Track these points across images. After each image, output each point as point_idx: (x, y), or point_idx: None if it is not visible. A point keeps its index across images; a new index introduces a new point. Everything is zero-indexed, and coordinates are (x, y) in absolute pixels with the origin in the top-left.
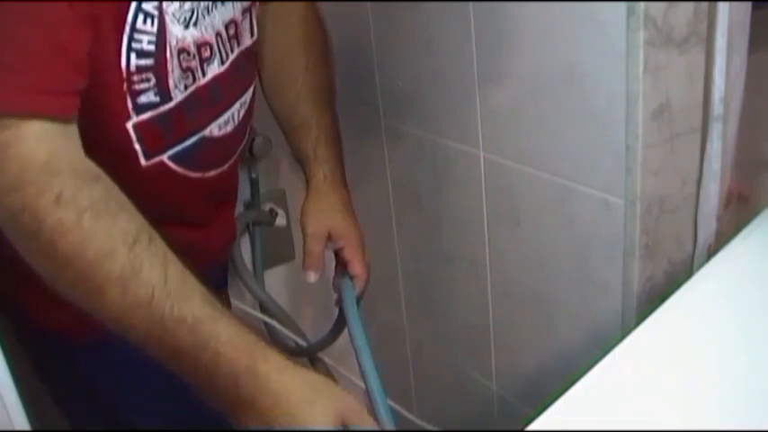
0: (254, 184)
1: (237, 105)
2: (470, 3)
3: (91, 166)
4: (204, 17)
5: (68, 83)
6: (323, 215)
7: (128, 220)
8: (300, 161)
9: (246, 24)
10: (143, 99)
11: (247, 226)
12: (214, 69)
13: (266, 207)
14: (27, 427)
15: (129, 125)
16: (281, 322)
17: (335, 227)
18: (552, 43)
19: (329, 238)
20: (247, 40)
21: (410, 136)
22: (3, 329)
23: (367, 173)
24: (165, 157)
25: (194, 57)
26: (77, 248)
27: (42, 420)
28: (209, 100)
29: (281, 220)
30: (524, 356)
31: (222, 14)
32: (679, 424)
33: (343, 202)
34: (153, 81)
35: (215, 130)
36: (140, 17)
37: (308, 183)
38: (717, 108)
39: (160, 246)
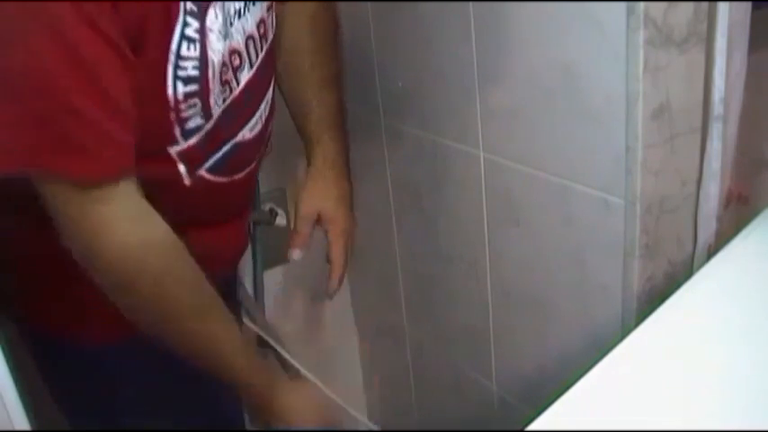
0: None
1: (264, 105)
2: (470, 3)
3: (166, 233)
4: (233, 24)
5: (127, 138)
6: (315, 199)
7: (206, 289)
8: (305, 143)
9: (271, 20)
10: (191, 124)
11: (247, 226)
12: (245, 76)
13: (266, 207)
14: (27, 427)
15: (174, 151)
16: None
17: (325, 211)
18: (552, 43)
19: (318, 220)
20: (271, 35)
21: (410, 136)
22: (4, 330)
23: (367, 173)
24: (203, 172)
25: (229, 68)
26: (182, 313)
27: (42, 420)
28: (243, 107)
29: (281, 220)
30: (524, 357)
31: (254, 15)
32: (679, 424)
33: (338, 189)
34: (199, 105)
35: (246, 133)
36: (184, 44)
37: (308, 165)
38: (717, 108)
39: (226, 311)
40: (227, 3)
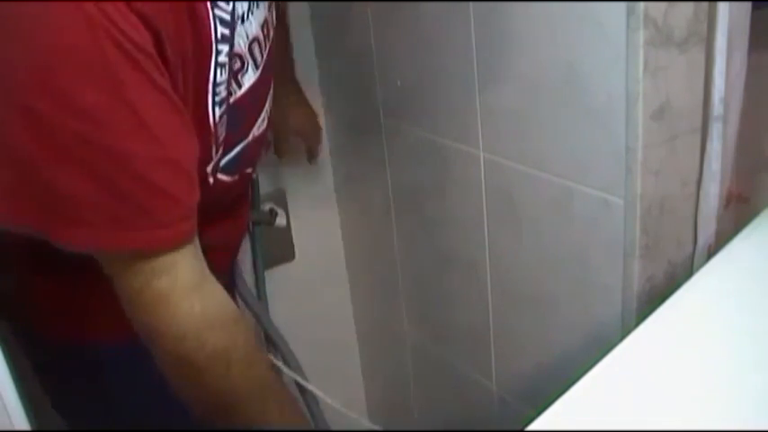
0: (254, 184)
1: (268, 102)
2: (470, 3)
3: (233, 309)
4: (238, 28)
5: (193, 198)
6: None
7: (264, 367)
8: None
9: (272, 19)
10: (219, 140)
11: (247, 226)
12: (250, 78)
13: (266, 207)
14: (27, 427)
15: (209, 168)
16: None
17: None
18: (552, 43)
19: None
20: (272, 33)
21: (410, 136)
22: (3, 333)
23: (367, 173)
24: (219, 175)
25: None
26: (227, 395)
27: (42, 420)
28: (250, 108)
29: (281, 220)
30: (524, 357)
31: (258, 18)
32: (679, 424)
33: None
34: (226, 120)
35: (255, 132)
36: (218, 71)
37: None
38: (717, 108)
39: (284, 389)
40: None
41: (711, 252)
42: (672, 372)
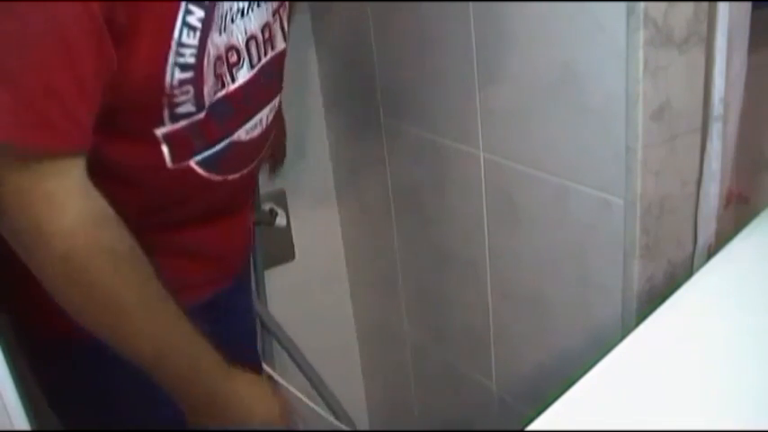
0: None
1: (267, 109)
2: (470, 3)
3: (111, 210)
4: (234, 20)
5: (90, 120)
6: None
7: (148, 265)
8: None
9: (277, 27)
10: (181, 110)
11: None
12: (244, 74)
13: (266, 207)
14: (27, 427)
15: (160, 132)
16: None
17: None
18: (552, 43)
19: None
20: (280, 44)
21: (410, 136)
22: (3, 329)
23: (367, 173)
24: (192, 162)
25: (224, 63)
26: (112, 293)
27: (42, 420)
28: (240, 105)
29: (280, 220)
30: (524, 357)
31: (258, 17)
32: (679, 424)
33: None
34: (192, 92)
35: (242, 134)
36: (185, 31)
37: None
38: (717, 108)
39: (158, 278)
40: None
41: (711, 252)
42: (672, 372)
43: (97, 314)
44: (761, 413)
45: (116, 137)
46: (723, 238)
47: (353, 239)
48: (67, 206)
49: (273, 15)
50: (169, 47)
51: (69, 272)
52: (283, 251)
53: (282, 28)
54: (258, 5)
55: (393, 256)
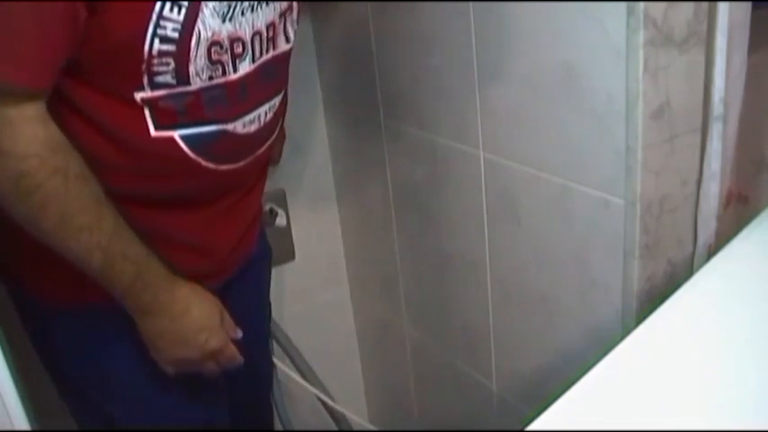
0: None
1: (266, 107)
2: (470, 3)
3: (65, 138)
4: (244, 14)
5: (52, 57)
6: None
7: (98, 185)
8: None
9: (281, 28)
10: (159, 79)
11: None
12: (245, 67)
13: (266, 207)
14: (27, 427)
15: (139, 96)
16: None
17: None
18: (552, 43)
19: None
20: (282, 45)
21: (410, 136)
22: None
23: (367, 173)
24: (176, 135)
25: (226, 51)
26: (65, 209)
27: (42, 420)
28: (236, 96)
29: (281, 220)
30: (524, 356)
31: (266, 15)
32: (679, 424)
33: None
34: (172, 65)
35: (239, 126)
36: (167, 5)
37: None
38: (717, 108)
39: (108, 201)
40: None
41: (711, 252)
42: (672, 371)
43: (48, 229)
44: (761, 413)
45: (103, 95)
46: (723, 238)
47: (353, 239)
48: (24, 131)
49: (280, 17)
50: (149, 18)
51: (23, 190)
52: (283, 251)
53: (286, 30)
54: (267, 4)
55: (393, 255)
